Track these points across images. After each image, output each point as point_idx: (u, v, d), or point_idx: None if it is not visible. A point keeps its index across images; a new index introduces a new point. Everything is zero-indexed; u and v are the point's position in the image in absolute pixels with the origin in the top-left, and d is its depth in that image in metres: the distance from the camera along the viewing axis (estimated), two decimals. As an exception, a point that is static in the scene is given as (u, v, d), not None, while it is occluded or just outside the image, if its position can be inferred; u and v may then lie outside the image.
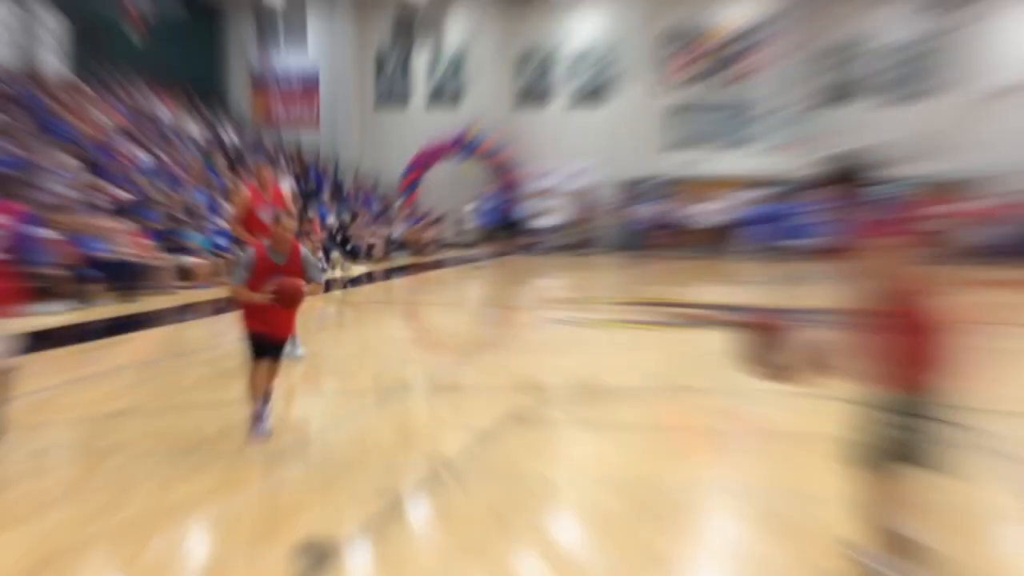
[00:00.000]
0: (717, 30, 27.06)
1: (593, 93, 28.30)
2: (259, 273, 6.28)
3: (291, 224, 6.53)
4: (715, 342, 10.73)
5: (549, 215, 27.67)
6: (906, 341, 3.46)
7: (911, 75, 26.18)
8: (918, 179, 26.05)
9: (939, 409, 3.49)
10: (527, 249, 26.72)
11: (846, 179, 3.76)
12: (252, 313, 6.38)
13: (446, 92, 29.33)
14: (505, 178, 27.89)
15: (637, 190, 27.51)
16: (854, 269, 3.59)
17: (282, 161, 25.97)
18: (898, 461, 3.58)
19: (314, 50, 29.90)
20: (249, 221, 8.98)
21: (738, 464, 6.26)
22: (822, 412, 7.16)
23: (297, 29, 29.92)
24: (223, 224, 16.46)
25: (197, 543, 4.78)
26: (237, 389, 6.98)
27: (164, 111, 24.16)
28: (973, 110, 25.61)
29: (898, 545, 3.61)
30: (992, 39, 25.22)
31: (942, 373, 3.44)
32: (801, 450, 6.37)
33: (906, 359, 3.47)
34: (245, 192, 9.49)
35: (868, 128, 26.17)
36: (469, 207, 25.95)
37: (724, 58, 27.00)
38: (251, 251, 6.47)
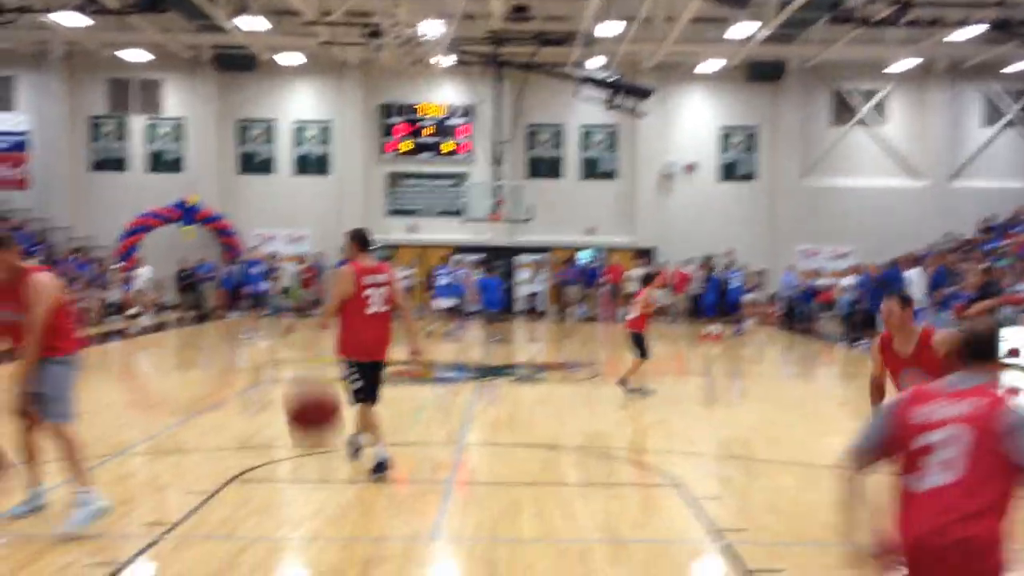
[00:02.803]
0: (431, 107, 29.12)
1: (316, 161, 29.43)
2: None
3: None
4: (429, 397, 12.10)
5: (271, 279, 28.24)
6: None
7: (603, 157, 29.55)
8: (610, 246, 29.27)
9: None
10: (251, 311, 27.10)
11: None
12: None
13: (166, 157, 29.33)
14: (226, 243, 28.24)
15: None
16: None
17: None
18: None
19: (24, 110, 28.93)
20: None
21: (456, 513, 6.68)
22: (522, 461, 8.51)
23: (4, 89, 28.89)
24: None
25: None
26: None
27: None
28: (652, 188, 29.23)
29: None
30: (662, 129, 29.09)
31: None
32: (510, 496, 7.06)
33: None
34: None
35: (569, 200, 29.16)
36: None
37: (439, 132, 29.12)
38: None
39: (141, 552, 5.68)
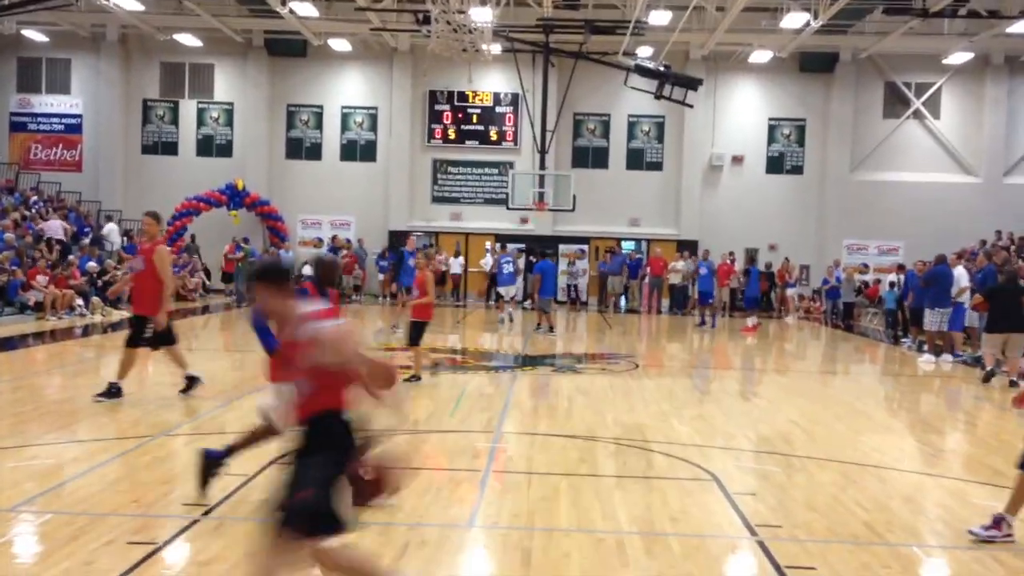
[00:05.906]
0: (478, 94, 29.13)
1: (363, 147, 29.60)
2: None
3: None
4: (470, 385, 12.16)
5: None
6: None
7: (649, 147, 29.36)
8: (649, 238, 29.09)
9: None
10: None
11: None
12: None
13: (216, 141, 29.70)
14: (271, 227, 28.55)
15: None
16: None
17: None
18: None
19: (78, 93, 29.49)
20: None
21: (493, 501, 6.72)
22: (560, 451, 8.53)
23: (61, 72, 29.45)
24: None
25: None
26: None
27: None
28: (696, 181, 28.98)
29: None
30: (709, 121, 28.87)
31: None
32: (547, 486, 7.10)
33: None
34: None
35: (614, 190, 29.04)
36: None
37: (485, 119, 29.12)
38: None
39: (180, 532, 5.76)
